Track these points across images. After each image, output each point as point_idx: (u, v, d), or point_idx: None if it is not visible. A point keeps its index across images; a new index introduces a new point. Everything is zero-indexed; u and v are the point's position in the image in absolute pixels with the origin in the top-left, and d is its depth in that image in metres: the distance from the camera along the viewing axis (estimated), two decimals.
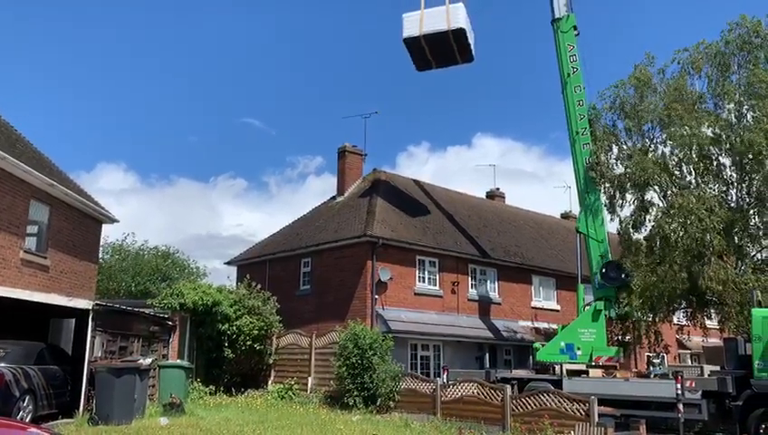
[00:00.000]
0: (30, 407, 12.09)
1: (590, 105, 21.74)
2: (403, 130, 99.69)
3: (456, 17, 21.89)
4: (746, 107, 19.72)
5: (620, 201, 21.40)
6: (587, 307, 20.12)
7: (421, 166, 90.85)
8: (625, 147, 21.72)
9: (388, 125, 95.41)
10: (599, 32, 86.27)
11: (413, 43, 22.67)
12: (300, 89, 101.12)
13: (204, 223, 77.07)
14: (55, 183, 15.41)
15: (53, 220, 15.94)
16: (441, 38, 22.16)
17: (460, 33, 21.99)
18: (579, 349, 19.06)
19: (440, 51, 22.87)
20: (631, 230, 21.51)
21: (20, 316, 14.23)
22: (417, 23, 22.28)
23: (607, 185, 21.24)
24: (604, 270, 19.53)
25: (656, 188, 20.84)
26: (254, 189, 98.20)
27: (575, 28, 21.49)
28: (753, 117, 19.51)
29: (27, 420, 11.47)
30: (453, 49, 22.67)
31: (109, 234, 40.17)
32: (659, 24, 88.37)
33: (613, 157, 21.54)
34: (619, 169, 21.30)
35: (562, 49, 21.51)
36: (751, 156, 18.79)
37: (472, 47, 22.98)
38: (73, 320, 15.79)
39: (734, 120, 20.05)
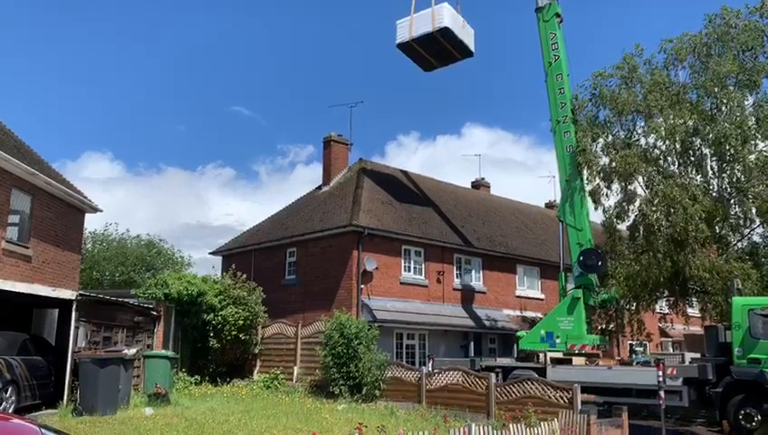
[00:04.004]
0: (13, 398, 12.01)
1: (574, 96, 21.81)
2: (393, 119, 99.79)
3: (441, 17, 21.97)
4: (722, 99, 19.93)
5: (605, 191, 21.57)
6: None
7: (410, 155, 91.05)
8: (610, 138, 21.85)
9: (378, 114, 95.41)
10: (596, 24, 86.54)
11: (407, 48, 22.92)
12: (291, 78, 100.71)
13: (193, 212, 76.80)
14: (37, 172, 15.27)
15: (36, 210, 15.80)
16: (431, 39, 22.32)
17: (447, 33, 22.06)
18: (558, 337, 19.21)
19: (436, 51, 23.08)
20: (615, 220, 21.69)
21: (2, 307, 14.10)
22: (407, 28, 22.52)
23: (592, 175, 21.37)
24: (582, 258, 19.65)
25: (640, 179, 21.00)
26: (243, 178, 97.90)
27: (558, 16, 21.50)
28: (727, 108, 19.74)
29: (10, 411, 11.40)
30: (447, 48, 22.78)
31: (90, 223, 39.86)
32: (660, 16, 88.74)
33: (598, 147, 21.65)
34: (604, 160, 21.44)
35: (544, 38, 21.56)
36: (728, 147, 19.02)
37: (467, 43, 23.03)
38: (57, 310, 15.68)
39: (714, 110, 20.26)
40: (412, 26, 22.47)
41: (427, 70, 24.52)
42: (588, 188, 21.33)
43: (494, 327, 25.49)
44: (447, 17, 22.04)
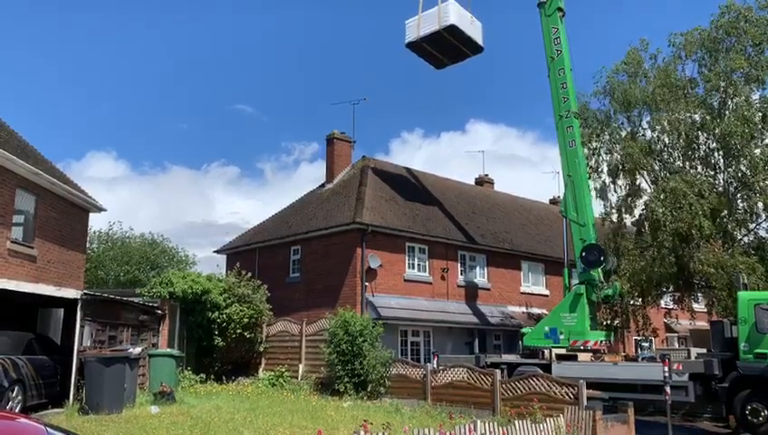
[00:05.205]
0: (19, 397, 12.03)
1: (580, 94, 21.76)
2: (397, 116, 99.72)
3: (446, 15, 21.97)
4: (729, 94, 19.89)
5: (612, 186, 21.54)
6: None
7: (414, 152, 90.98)
8: (615, 133, 21.83)
9: (382, 112, 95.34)
10: (600, 18, 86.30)
11: (417, 47, 22.96)
12: (294, 76, 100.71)
13: (198, 211, 76.89)
14: (41, 172, 15.28)
15: (40, 210, 15.82)
16: (438, 37, 22.33)
17: (454, 30, 22.04)
18: (561, 333, 19.14)
19: (445, 48, 23.09)
20: (621, 213, 21.67)
21: (7, 307, 14.12)
22: (415, 27, 22.61)
23: (597, 171, 21.34)
24: (584, 253, 19.55)
25: (644, 173, 20.98)
26: (248, 176, 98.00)
27: (560, 10, 21.37)
28: (733, 103, 19.71)
29: (17, 410, 11.42)
30: (455, 45, 22.75)
31: (95, 223, 39.98)
32: (665, 10, 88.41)
33: (603, 142, 21.64)
34: (609, 155, 21.44)
35: (546, 32, 21.45)
36: (734, 142, 18.97)
37: (475, 39, 22.99)
38: (62, 310, 15.70)
39: (721, 105, 20.23)
40: (420, 26, 22.52)
41: (439, 68, 24.54)
42: (592, 183, 21.29)
43: (499, 324, 25.45)
44: (453, 14, 22.00)
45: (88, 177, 77.22)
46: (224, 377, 20.30)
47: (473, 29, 22.88)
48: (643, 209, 20.97)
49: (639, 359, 17.96)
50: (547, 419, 10.72)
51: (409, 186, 27.55)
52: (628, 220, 22.44)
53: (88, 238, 24.39)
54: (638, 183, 21.22)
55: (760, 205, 19.42)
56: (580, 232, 20.04)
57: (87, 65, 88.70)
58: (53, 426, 5.93)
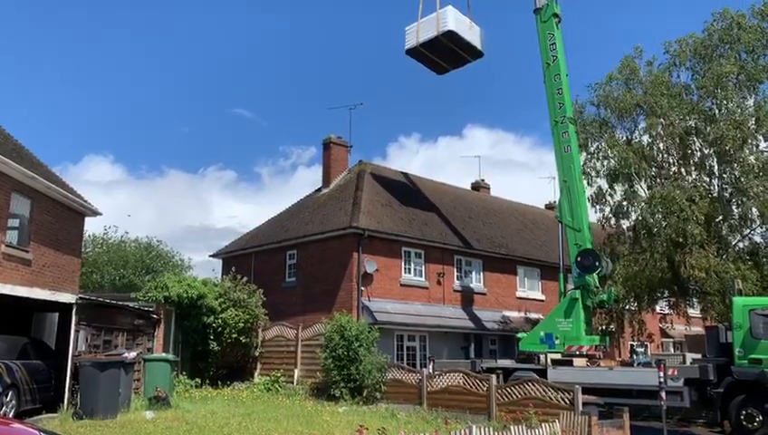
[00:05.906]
0: (13, 402, 11.99)
1: (575, 101, 21.84)
2: (394, 121, 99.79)
3: (444, 21, 22.09)
4: (722, 99, 20.02)
5: (609, 191, 21.60)
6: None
7: (411, 157, 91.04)
8: (611, 139, 21.92)
9: (380, 116, 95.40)
10: (597, 24, 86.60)
11: (416, 53, 23.07)
12: (293, 80, 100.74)
13: (195, 215, 76.79)
14: (36, 176, 15.26)
15: (35, 214, 15.79)
16: (437, 43, 22.43)
17: (452, 35, 22.15)
18: (557, 338, 19.17)
19: (445, 54, 23.19)
20: (617, 220, 21.74)
21: (2, 311, 14.08)
22: (414, 34, 22.74)
23: (591, 177, 21.41)
24: (579, 259, 19.57)
25: (641, 179, 21.07)
26: (245, 181, 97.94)
27: (556, 16, 21.44)
28: (726, 109, 19.84)
29: (11, 415, 11.38)
30: (455, 50, 22.84)
31: (90, 227, 39.88)
32: (662, 16, 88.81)
33: (600, 147, 21.74)
34: (607, 161, 21.54)
35: (542, 38, 21.51)
36: (727, 146, 19.08)
37: (474, 44, 23.09)
38: (57, 314, 15.66)
39: (715, 111, 20.35)
40: (419, 32, 22.66)
41: (440, 73, 24.65)
42: (588, 188, 21.36)
43: (495, 329, 25.45)
44: (451, 20, 22.09)
45: (85, 180, 77.15)
46: (219, 382, 20.24)
47: (471, 34, 22.95)
48: (638, 214, 21.06)
49: (635, 364, 17.99)
50: (543, 424, 10.72)
51: (406, 190, 27.57)
52: (625, 225, 22.51)
53: (84, 242, 24.34)
54: (634, 188, 21.32)
55: (754, 210, 19.50)
56: (575, 237, 20.05)
57: (84, 67, 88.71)
58: (48, 431, 5.93)
